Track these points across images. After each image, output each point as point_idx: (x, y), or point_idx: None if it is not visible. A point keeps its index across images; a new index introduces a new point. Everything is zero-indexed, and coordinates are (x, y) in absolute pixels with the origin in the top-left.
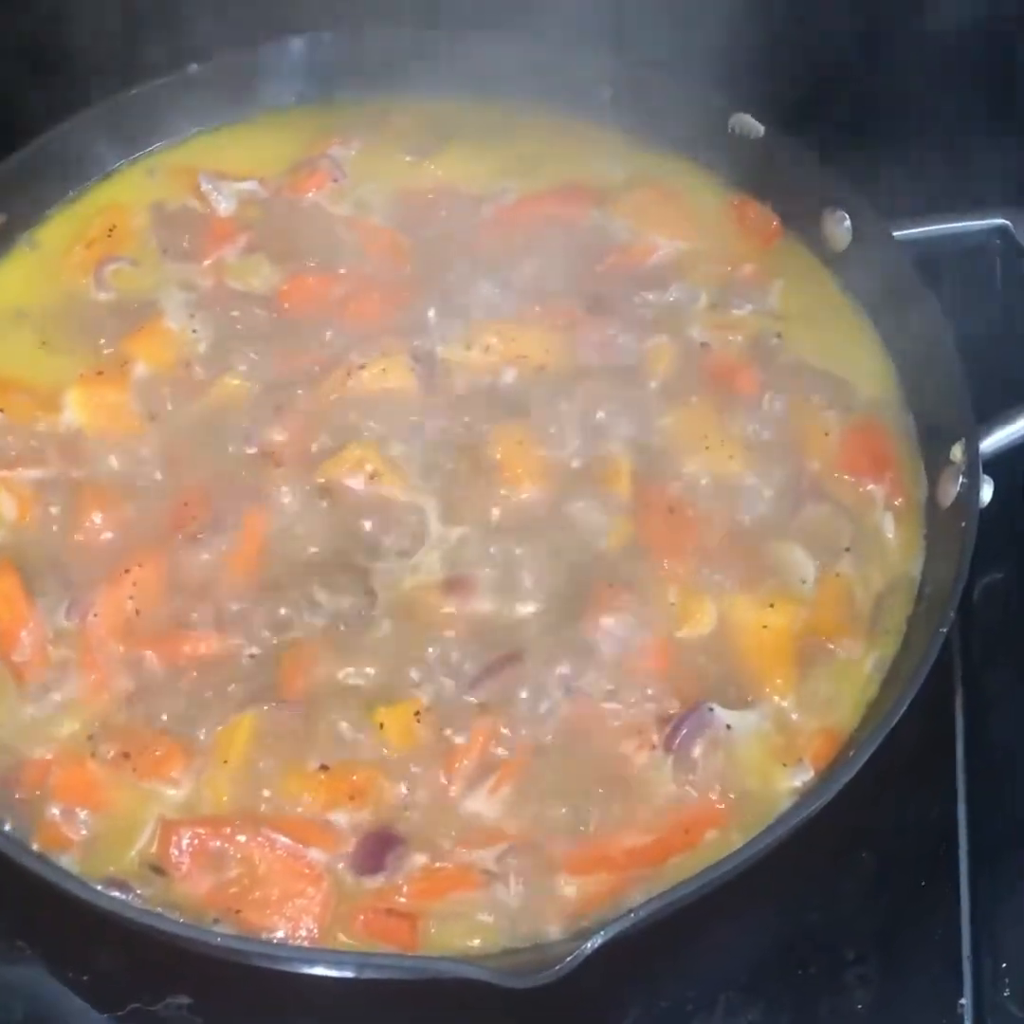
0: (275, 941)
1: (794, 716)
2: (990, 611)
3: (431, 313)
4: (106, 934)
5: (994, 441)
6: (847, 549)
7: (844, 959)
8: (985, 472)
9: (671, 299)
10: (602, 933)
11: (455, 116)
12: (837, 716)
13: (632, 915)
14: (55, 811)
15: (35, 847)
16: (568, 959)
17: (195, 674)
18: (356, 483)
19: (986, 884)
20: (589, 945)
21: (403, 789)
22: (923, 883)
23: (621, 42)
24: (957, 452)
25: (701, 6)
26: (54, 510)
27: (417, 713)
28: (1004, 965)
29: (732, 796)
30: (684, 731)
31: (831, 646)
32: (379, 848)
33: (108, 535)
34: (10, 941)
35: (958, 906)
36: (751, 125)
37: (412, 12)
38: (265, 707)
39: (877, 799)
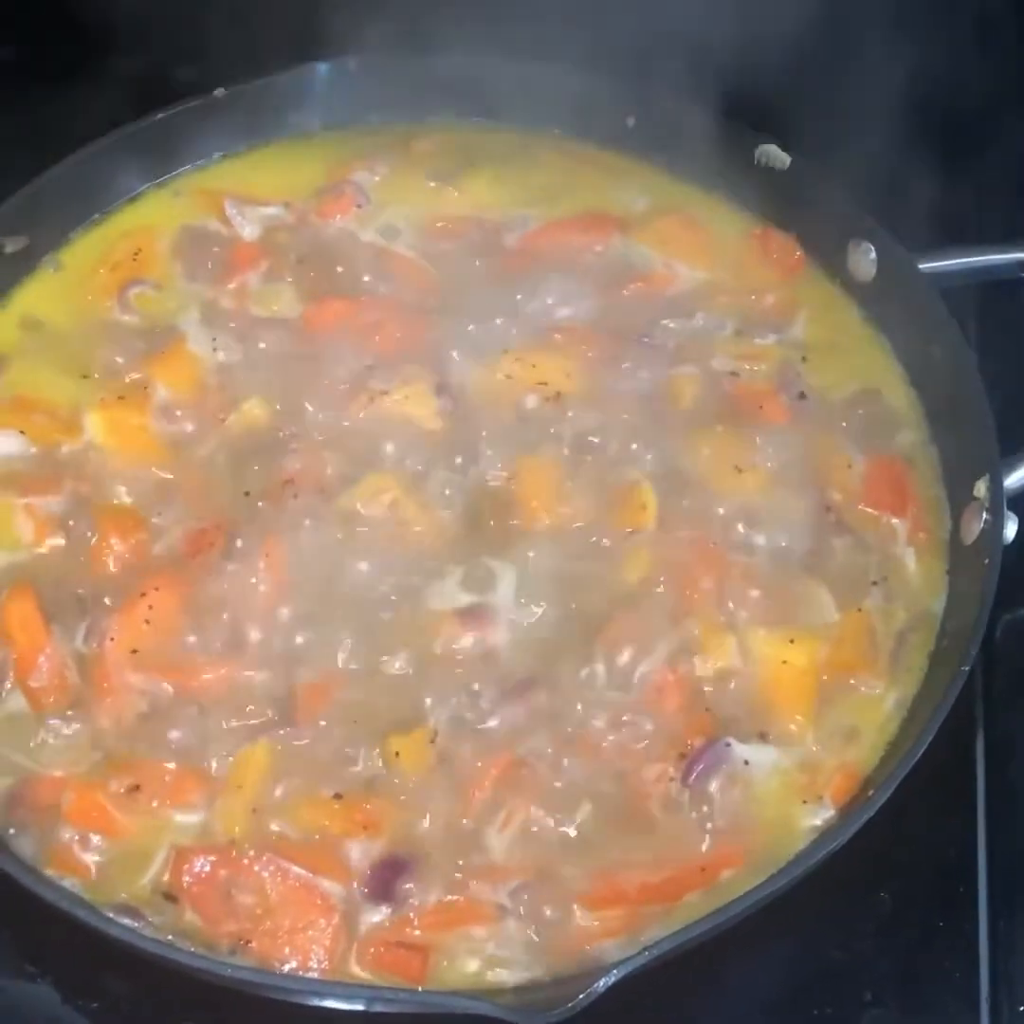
0: (286, 972)
1: (814, 752)
2: (1013, 649)
3: (453, 340)
4: (117, 961)
5: (1019, 477)
6: (874, 583)
7: (861, 1000)
8: (1010, 509)
9: (694, 328)
10: (616, 971)
11: (478, 142)
12: (857, 753)
13: (646, 953)
14: (69, 836)
15: (48, 872)
16: (581, 996)
17: (210, 701)
18: (376, 512)
19: (1005, 925)
20: (602, 983)
21: (416, 820)
22: (941, 923)
23: (645, 70)
24: (981, 488)
25: (727, 35)
26: (72, 534)
27: (432, 742)
28: (1022, 1008)
29: (750, 832)
30: (700, 766)
31: (852, 682)
32: (390, 878)
33: (126, 560)
34: (21, 965)
35: (977, 947)
36: (778, 156)
37: (435, 39)
38: (280, 735)
39: (896, 838)
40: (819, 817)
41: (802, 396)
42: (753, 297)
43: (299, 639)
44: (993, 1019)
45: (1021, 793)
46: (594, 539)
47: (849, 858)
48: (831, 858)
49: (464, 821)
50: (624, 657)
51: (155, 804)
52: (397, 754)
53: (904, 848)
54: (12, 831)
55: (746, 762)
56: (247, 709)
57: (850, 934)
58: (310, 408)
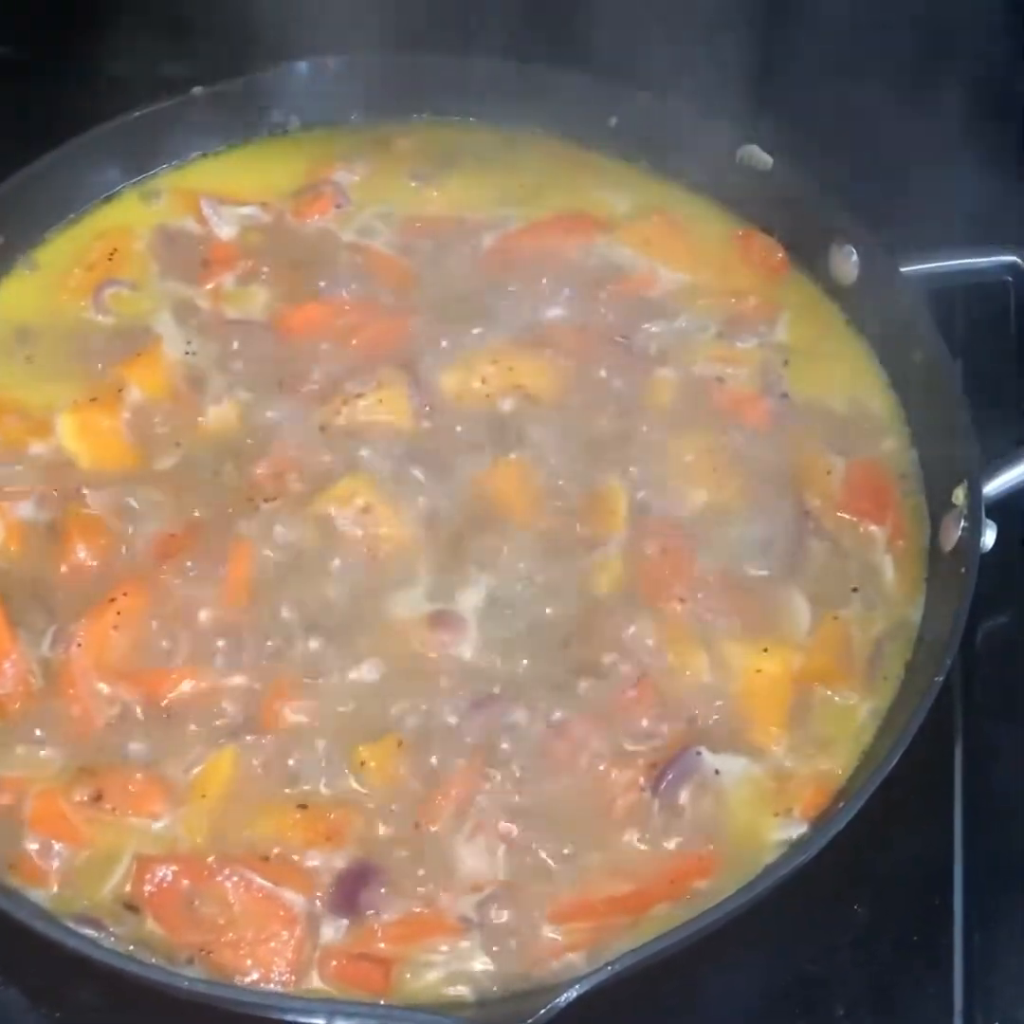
0: (246, 984)
1: (787, 763)
2: (992, 657)
3: (430, 342)
4: (83, 969)
5: (998, 484)
6: (854, 590)
7: (835, 1014)
8: (988, 516)
9: (676, 330)
10: (577, 987)
11: (458, 141)
12: (831, 764)
13: (609, 968)
14: (30, 844)
15: (10, 880)
16: (542, 1011)
17: (177, 708)
18: (348, 516)
19: (981, 939)
20: (563, 998)
21: (381, 830)
22: (916, 937)
23: (628, 70)
24: (960, 495)
25: (710, 34)
26: (40, 538)
27: (399, 751)
28: (996, 1023)
29: (720, 843)
30: (670, 776)
31: (827, 692)
32: (354, 889)
33: (93, 564)
34: None
35: (952, 961)
36: (759, 157)
37: (415, 37)
38: (245, 743)
39: (871, 849)
40: (791, 829)
41: (783, 399)
42: (735, 299)
43: (268, 645)
44: None
45: (1000, 804)
46: (567, 545)
47: (823, 869)
48: (804, 869)
49: (431, 831)
50: (595, 665)
51: (118, 812)
52: (363, 763)
53: (879, 860)
54: None
55: (717, 772)
56: (213, 717)
57: (824, 947)
58: (284, 411)
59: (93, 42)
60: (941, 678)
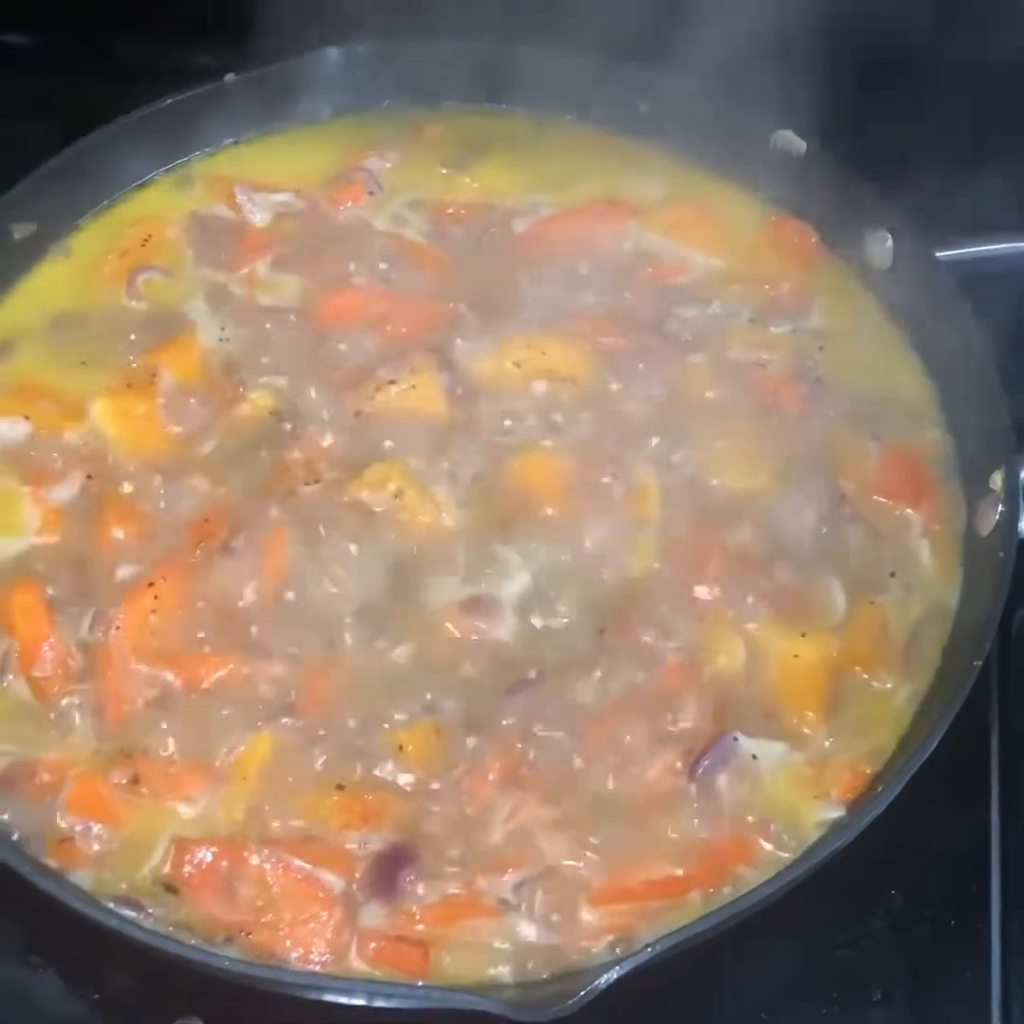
0: (286, 965)
1: (825, 747)
2: None
3: (462, 328)
4: (119, 952)
5: None
6: (892, 575)
7: (870, 998)
8: None
9: (709, 316)
10: (618, 968)
11: (490, 128)
12: (869, 748)
13: (649, 950)
14: (70, 826)
15: (50, 862)
16: (583, 993)
17: (214, 691)
18: (381, 502)
19: (1018, 924)
20: (604, 979)
21: (418, 812)
22: (953, 921)
23: (660, 55)
24: (997, 480)
25: (742, 19)
26: (76, 522)
27: (436, 734)
28: None
29: (757, 828)
30: (707, 761)
31: (864, 676)
32: (392, 871)
33: (131, 549)
34: (25, 955)
35: (988, 945)
36: (793, 142)
37: (447, 24)
38: (283, 726)
39: (908, 834)
40: (828, 813)
41: (818, 384)
42: (768, 285)
43: (303, 630)
44: (1004, 1018)
45: None
46: (601, 530)
47: (859, 854)
48: (840, 854)
49: (467, 814)
50: (630, 649)
51: (156, 795)
52: (401, 746)
53: (915, 844)
54: (13, 820)
55: (754, 756)
56: (250, 700)
57: (860, 932)
58: (317, 397)
59: (125, 30)
60: (980, 662)
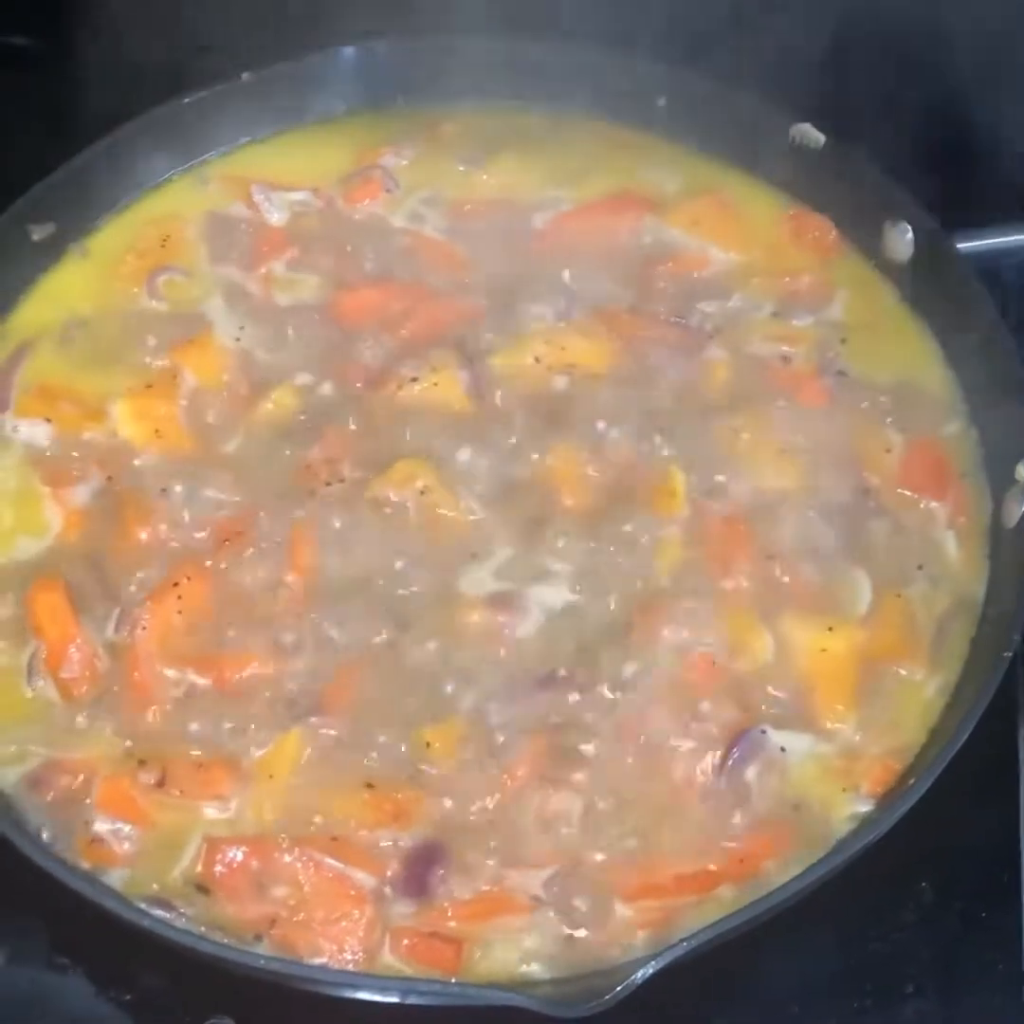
0: (318, 964)
1: (854, 740)
2: None
3: (482, 324)
4: (151, 952)
5: None
6: (919, 567)
7: (902, 991)
8: None
9: (731, 310)
10: (653, 962)
11: (507, 124)
12: (898, 741)
13: (685, 944)
14: (100, 826)
15: (81, 863)
16: (618, 988)
17: (241, 690)
18: (405, 499)
19: None
20: (640, 974)
21: (448, 809)
22: (983, 914)
23: (677, 49)
24: (1022, 471)
25: (760, 12)
26: (99, 523)
27: (464, 731)
28: None
29: (788, 821)
30: (737, 754)
31: (893, 669)
32: (423, 868)
33: (155, 549)
34: (53, 956)
35: (1019, 937)
36: (812, 135)
37: (462, 20)
38: (311, 725)
39: (937, 826)
40: (859, 806)
41: (841, 377)
42: (789, 278)
43: (329, 628)
44: None
45: None
46: (626, 526)
47: (889, 847)
48: (870, 847)
49: (497, 811)
50: (657, 645)
51: (186, 795)
52: (429, 744)
53: (945, 837)
54: (42, 820)
55: (783, 749)
56: (277, 699)
57: (890, 925)
58: (338, 395)
59: (139, 29)
60: (1010, 654)
